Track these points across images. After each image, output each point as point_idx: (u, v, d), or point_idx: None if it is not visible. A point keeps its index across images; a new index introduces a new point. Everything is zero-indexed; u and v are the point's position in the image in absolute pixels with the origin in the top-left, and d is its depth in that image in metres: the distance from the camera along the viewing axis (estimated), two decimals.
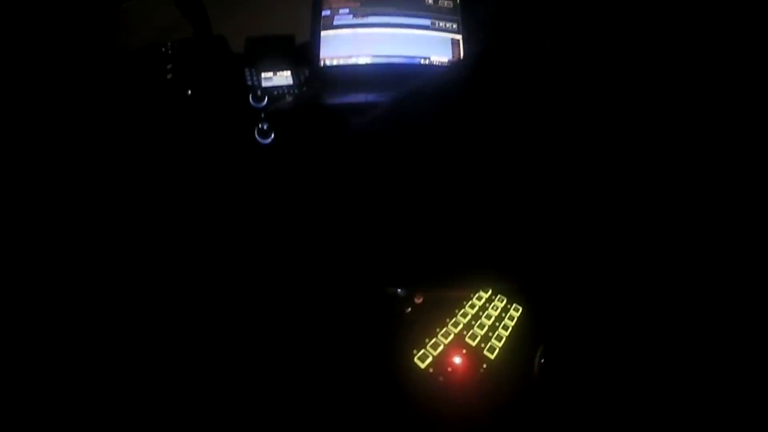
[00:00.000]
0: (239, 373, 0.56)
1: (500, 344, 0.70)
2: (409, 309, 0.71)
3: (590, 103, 0.36)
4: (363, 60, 1.07)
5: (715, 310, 0.44)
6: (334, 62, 1.06)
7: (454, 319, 0.72)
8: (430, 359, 0.66)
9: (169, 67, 0.90)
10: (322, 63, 1.06)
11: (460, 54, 1.14)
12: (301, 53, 1.06)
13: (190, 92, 0.88)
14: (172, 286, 0.60)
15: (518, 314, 0.76)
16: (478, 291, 0.76)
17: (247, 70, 0.97)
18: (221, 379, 0.54)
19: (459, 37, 1.13)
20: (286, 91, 0.96)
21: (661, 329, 0.55)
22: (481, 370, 0.66)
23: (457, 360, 0.66)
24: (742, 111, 0.33)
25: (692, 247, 0.39)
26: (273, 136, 0.86)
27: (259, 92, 0.92)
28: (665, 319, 0.50)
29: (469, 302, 0.75)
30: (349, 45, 1.07)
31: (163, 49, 0.93)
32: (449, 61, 1.13)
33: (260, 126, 0.86)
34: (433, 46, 1.12)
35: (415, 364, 0.65)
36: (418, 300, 0.72)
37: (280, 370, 0.59)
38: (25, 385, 0.41)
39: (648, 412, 0.59)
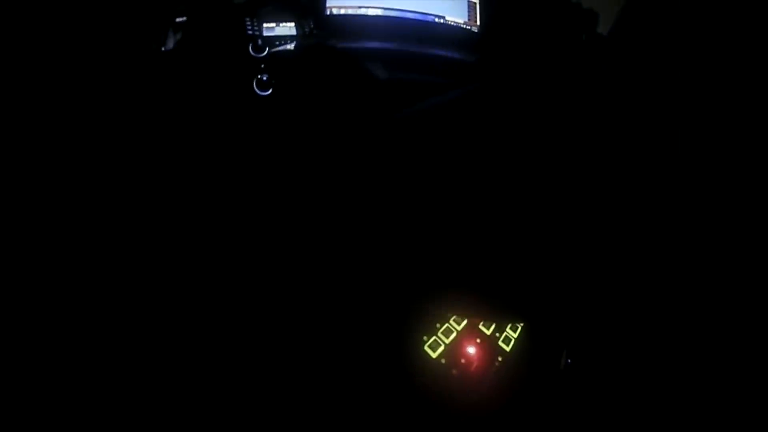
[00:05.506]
0: (245, 367, 0.48)
1: (515, 335, 0.64)
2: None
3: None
4: (373, 11, 0.97)
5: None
6: (342, 11, 0.96)
7: None
8: (441, 348, 0.59)
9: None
10: (328, 11, 0.95)
11: (476, 17, 1.05)
12: (306, 2, 0.95)
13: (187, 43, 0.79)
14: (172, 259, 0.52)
15: None
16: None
17: (248, 19, 0.88)
18: (224, 376, 0.47)
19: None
20: (288, 41, 0.88)
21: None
22: (497, 363, 0.60)
23: (471, 350, 0.60)
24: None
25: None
26: (272, 88, 0.78)
27: (259, 42, 0.83)
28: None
29: None
30: None
31: None
32: (465, 22, 1.04)
33: (260, 77, 0.78)
34: (449, 5, 1.02)
35: (426, 353, 0.58)
36: None
37: (282, 362, 0.52)
38: (24, 385, 0.38)
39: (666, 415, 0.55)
